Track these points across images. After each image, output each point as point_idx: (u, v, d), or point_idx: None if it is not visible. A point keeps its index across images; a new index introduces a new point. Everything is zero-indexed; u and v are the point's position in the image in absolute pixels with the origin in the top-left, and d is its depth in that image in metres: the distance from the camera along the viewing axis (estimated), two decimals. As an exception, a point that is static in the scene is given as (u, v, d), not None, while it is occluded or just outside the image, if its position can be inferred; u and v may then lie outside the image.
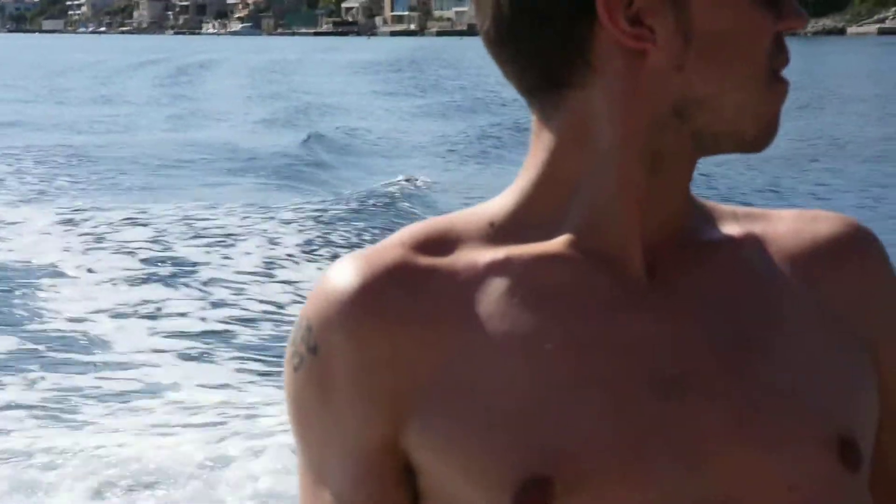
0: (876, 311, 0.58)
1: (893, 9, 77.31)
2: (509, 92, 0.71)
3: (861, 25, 76.99)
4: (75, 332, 6.54)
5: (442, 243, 0.54)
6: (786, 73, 0.55)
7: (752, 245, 0.57)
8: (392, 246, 0.54)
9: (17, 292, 7.53)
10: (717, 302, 0.54)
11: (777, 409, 0.52)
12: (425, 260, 0.53)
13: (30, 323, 6.84)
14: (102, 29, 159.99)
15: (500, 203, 0.55)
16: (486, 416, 0.50)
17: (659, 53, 0.51)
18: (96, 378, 5.59)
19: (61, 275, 8.06)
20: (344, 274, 0.53)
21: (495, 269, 0.53)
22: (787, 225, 0.58)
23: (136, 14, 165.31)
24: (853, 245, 0.58)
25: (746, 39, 0.52)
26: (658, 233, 0.53)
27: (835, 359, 0.55)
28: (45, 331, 6.63)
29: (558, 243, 0.53)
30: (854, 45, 60.35)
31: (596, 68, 0.51)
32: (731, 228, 0.57)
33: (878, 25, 74.85)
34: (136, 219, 10.05)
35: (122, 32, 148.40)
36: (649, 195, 0.53)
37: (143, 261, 8.47)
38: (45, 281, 7.87)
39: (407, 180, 12.07)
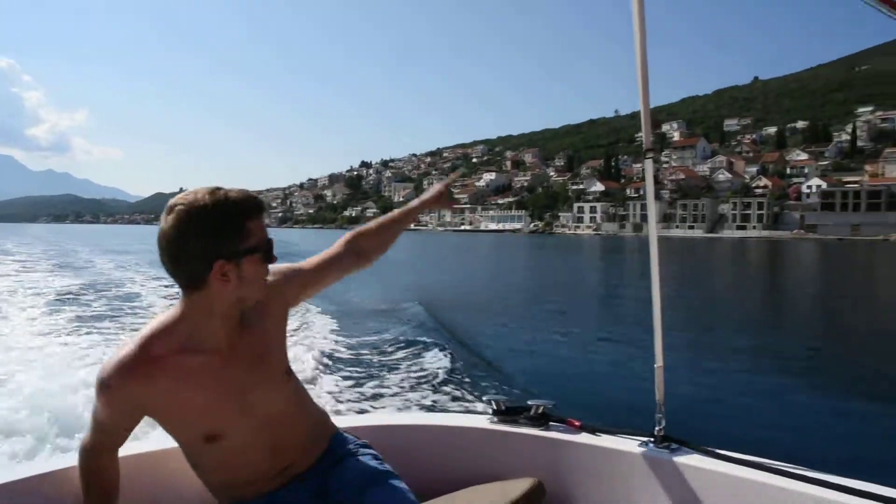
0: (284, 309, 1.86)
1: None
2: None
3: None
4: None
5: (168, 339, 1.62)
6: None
7: (258, 310, 1.74)
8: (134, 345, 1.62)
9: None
10: (252, 344, 1.72)
11: (272, 371, 1.76)
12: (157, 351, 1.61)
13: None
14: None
15: (170, 322, 1.63)
16: (187, 407, 1.64)
17: (232, 282, 1.59)
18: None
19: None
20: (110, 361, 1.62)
21: (176, 357, 1.62)
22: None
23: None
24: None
25: (260, 277, 1.65)
26: (231, 333, 1.67)
27: (282, 341, 1.82)
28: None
29: (195, 343, 1.63)
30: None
31: (209, 283, 1.58)
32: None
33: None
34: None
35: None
36: (228, 325, 1.66)
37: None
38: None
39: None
